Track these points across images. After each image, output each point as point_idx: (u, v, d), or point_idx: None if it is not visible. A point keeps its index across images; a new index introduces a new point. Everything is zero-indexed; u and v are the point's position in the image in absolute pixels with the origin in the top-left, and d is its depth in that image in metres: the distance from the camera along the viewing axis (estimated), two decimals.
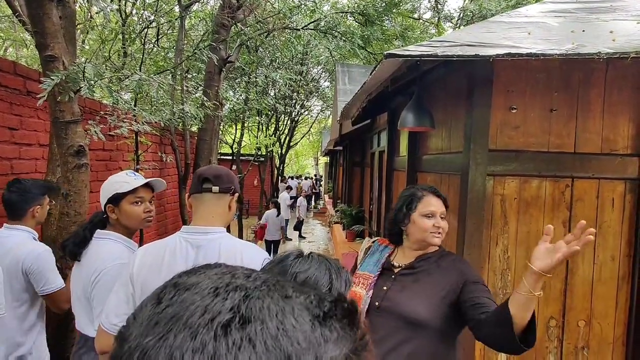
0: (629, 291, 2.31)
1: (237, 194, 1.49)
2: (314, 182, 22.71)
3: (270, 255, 6.27)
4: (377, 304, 1.54)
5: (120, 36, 5.53)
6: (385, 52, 1.64)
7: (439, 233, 1.54)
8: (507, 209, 2.31)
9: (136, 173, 1.73)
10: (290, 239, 11.45)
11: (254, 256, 1.34)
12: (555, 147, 2.30)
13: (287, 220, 11.59)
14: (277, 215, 8.01)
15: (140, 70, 4.02)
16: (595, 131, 2.29)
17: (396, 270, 1.60)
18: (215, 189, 1.40)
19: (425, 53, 1.65)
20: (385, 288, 1.57)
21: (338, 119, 5.32)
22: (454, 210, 2.55)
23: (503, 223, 2.32)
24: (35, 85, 3.16)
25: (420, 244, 1.58)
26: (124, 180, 1.65)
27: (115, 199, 1.62)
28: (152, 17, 5.97)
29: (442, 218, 1.56)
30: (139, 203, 1.66)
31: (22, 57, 9.95)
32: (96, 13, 7.66)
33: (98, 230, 1.63)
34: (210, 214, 1.40)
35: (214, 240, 1.34)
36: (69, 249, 1.60)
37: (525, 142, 2.30)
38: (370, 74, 2.24)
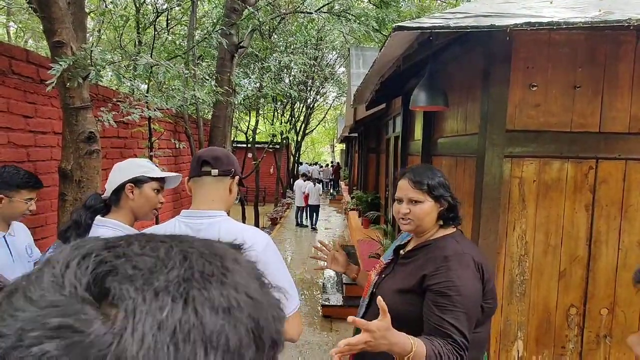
0: None
1: (237, 177, 1.45)
2: (336, 167, 22.67)
3: (313, 214, 9.09)
4: (374, 291, 1.51)
5: (134, 24, 5.53)
6: (395, 25, 1.54)
7: (403, 219, 1.42)
8: (525, 192, 2.21)
9: (155, 164, 1.74)
10: (307, 226, 11.47)
11: (254, 238, 1.29)
12: (579, 126, 2.17)
13: (303, 208, 11.62)
14: (315, 186, 11.21)
15: (151, 56, 4.01)
16: (623, 109, 2.15)
17: (400, 258, 1.55)
18: (215, 171, 1.36)
19: (437, 25, 1.55)
20: (384, 275, 1.53)
21: (351, 103, 5.21)
22: (470, 195, 2.45)
23: (521, 207, 2.21)
24: (47, 73, 3.18)
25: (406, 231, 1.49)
26: (150, 166, 1.67)
27: (139, 181, 1.61)
28: (165, 5, 5.94)
29: (413, 202, 1.39)
30: (158, 192, 1.67)
31: (42, 49, 10.13)
32: (110, 2, 7.69)
33: (97, 217, 1.59)
34: (210, 197, 1.36)
35: (213, 224, 1.31)
36: (73, 240, 1.57)
37: (546, 121, 2.17)
38: (380, 50, 2.14)
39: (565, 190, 2.20)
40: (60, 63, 2.36)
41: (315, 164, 27.54)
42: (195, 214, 1.34)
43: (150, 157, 4.60)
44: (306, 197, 11.05)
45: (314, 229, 11.03)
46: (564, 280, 2.23)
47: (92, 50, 2.52)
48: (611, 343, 2.23)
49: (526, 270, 2.23)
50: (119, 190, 1.59)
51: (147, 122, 4.60)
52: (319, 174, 20.73)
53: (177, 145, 5.24)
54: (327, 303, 5.23)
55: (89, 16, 7.39)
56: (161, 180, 1.67)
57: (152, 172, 1.64)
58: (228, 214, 1.43)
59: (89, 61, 2.56)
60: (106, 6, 7.08)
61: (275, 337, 0.31)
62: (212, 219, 1.33)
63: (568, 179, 2.19)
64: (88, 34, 7.89)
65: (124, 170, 1.62)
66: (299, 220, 11.66)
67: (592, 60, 2.13)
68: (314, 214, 11.12)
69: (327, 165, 26.58)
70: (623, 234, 2.19)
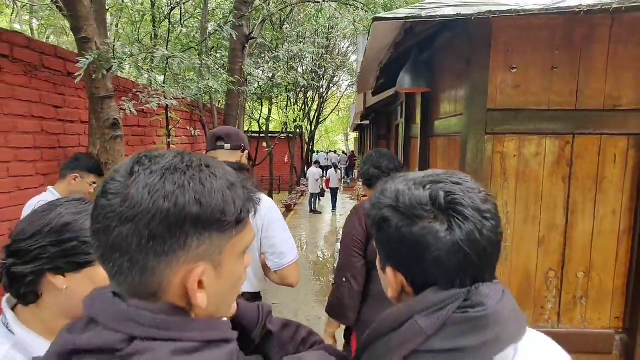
0: (630, 244, 2.36)
1: (247, 151, 1.71)
2: (350, 156, 22.98)
3: (332, 196, 10.90)
4: None
5: (150, 18, 5.83)
6: (374, 16, 1.75)
7: None
8: (506, 166, 2.40)
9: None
10: (320, 212, 11.77)
11: (260, 201, 1.56)
12: (556, 105, 2.34)
13: (317, 195, 11.92)
14: (336, 172, 13.02)
15: (166, 49, 4.29)
16: (598, 88, 2.31)
17: None
18: (227, 146, 1.63)
19: (410, 15, 1.75)
20: None
21: (356, 90, 5.40)
22: (458, 171, 2.66)
23: (503, 180, 2.41)
24: (74, 66, 3.49)
25: None
26: None
27: None
28: None
29: None
30: None
31: (63, 44, 10.58)
32: None
33: None
34: None
35: None
36: None
37: (525, 100, 2.35)
38: (367, 40, 2.35)
39: (544, 164, 2.38)
40: (86, 57, 2.65)
41: (333, 152, 28.54)
42: None
43: (168, 144, 4.92)
44: (327, 181, 12.86)
45: (334, 210, 12.41)
46: (543, 247, 2.43)
47: (114, 45, 2.80)
48: (587, 303, 2.43)
49: (507, 238, 2.43)
50: None
51: (164, 110, 4.91)
52: (338, 161, 21.62)
53: (192, 133, 5.54)
54: None
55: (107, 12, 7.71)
56: None
57: None
58: None
59: (111, 55, 2.84)
60: (123, 1, 7.39)
61: (219, 208, 0.54)
62: None
63: (547, 154, 2.37)
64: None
65: None
66: (312, 207, 11.96)
67: (569, 43, 2.29)
68: (333, 196, 12.69)
69: (343, 152, 27.31)
70: (598, 204, 2.37)
